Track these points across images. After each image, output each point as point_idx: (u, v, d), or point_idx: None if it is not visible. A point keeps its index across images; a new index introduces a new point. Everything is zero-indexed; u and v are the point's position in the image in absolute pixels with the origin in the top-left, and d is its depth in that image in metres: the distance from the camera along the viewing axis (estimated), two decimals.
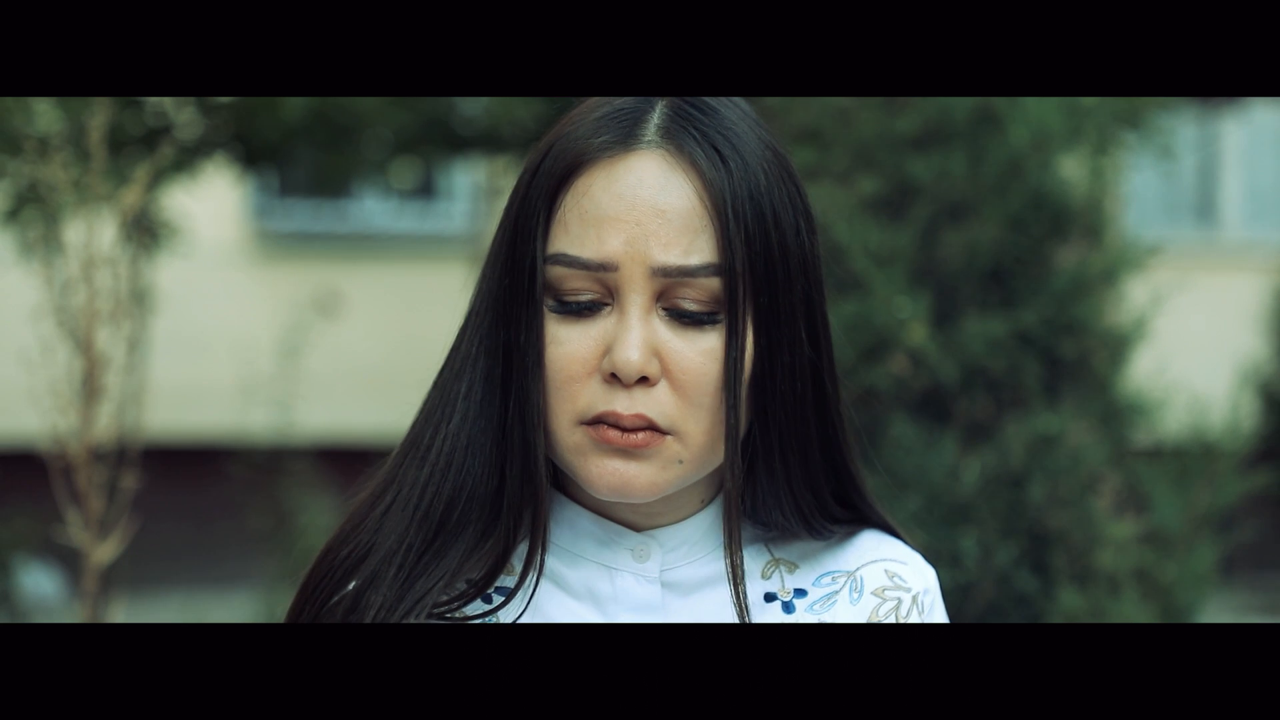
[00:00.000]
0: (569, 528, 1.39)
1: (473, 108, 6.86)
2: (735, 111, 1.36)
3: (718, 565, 1.40)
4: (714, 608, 1.39)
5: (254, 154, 6.58)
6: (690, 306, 1.31)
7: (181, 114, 6.14)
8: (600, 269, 1.30)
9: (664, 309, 1.31)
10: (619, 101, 1.35)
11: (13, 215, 5.70)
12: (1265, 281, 10.42)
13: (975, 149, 2.84)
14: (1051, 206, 2.85)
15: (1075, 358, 2.84)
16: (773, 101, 2.96)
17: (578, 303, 1.31)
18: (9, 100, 5.14)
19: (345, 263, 9.90)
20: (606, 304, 1.32)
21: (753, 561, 1.42)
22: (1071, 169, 2.93)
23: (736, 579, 1.35)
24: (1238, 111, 10.04)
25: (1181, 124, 9.17)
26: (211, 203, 8.29)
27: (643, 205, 1.30)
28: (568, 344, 1.31)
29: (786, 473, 1.36)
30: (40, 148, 3.94)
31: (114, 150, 4.90)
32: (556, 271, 1.31)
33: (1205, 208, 11.15)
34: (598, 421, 1.31)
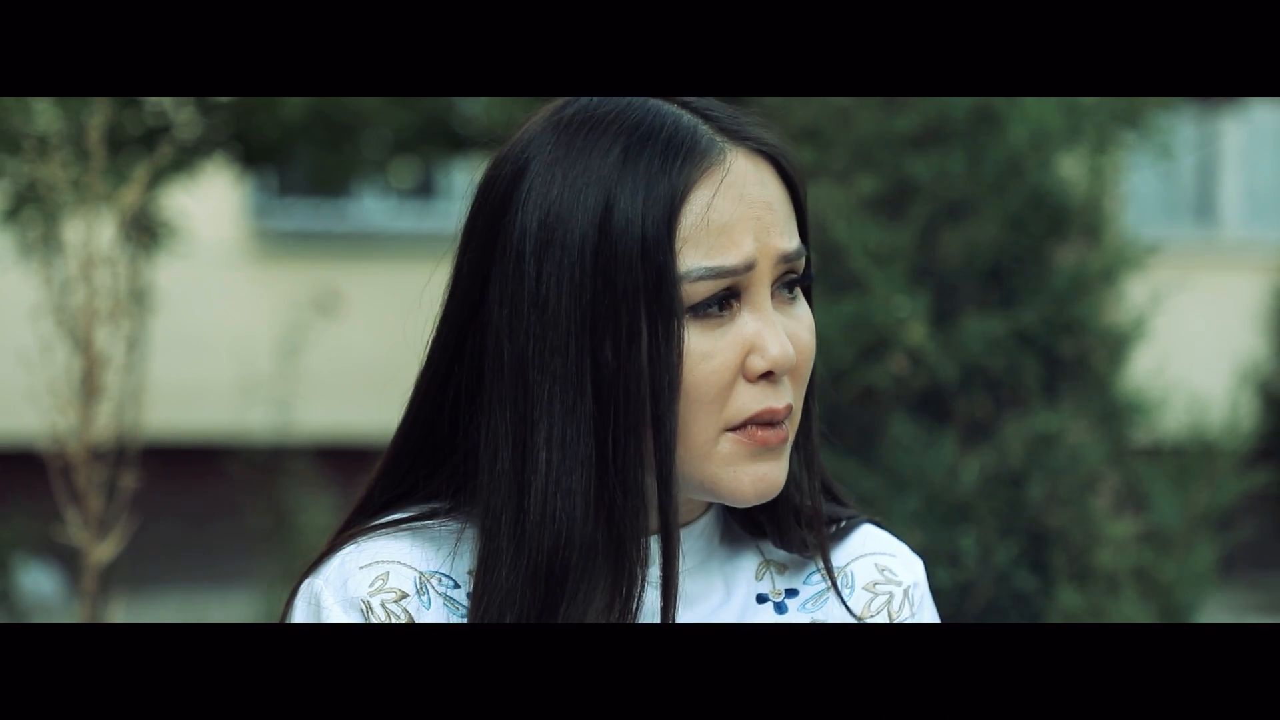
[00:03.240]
0: None
1: (473, 108, 6.87)
2: (719, 101, 1.39)
3: (713, 571, 1.40)
4: (713, 615, 1.39)
5: (253, 153, 6.59)
6: (788, 291, 1.34)
7: (181, 114, 6.14)
8: (746, 270, 1.31)
9: (772, 297, 1.34)
10: (638, 124, 1.34)
11: (12, 215, 5.71)
12: (1265, 281, 10.43)
13: (975, 148, 2.84)
14: (1051, 206, 2.85)
15: (1074, 357, 2.84)
16: (773, 101, 2.96)
17: (717, 317, 1.32)
18: (9, 100, 5.14)
19: (345, 262, 9.91)
20: (734, 307, 1.33)
21: (747, 565, 1.42)
22: (1070, 168, 2.93)
23: (824, 554, 1.41)
24: (1237, 111, 10.05)
25: (1181, 124, 9.18)
26: (211, 202, 8.29)
27: (756, 202, 1.32)
28: (715, 356, 1.31)
29: (805, 458, 1.39)
30: (40, 147, 3.94)
31: (113, 150, 4.90)
32: (701, 289, 1.31)
33: (1204, 207, 11.16)
34: (747, 424, 1.32)
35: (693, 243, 1.31)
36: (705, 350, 1.31)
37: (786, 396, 1.32)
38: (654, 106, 1.35)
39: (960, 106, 2.85)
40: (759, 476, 1.32)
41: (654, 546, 1.37)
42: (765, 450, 1.32)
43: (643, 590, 1.32)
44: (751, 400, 1.31)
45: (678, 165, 1.32)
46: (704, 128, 1.34)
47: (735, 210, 1.32)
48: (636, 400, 1.31)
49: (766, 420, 1.31)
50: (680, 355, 1.31)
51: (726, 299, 1.32)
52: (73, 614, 3.11)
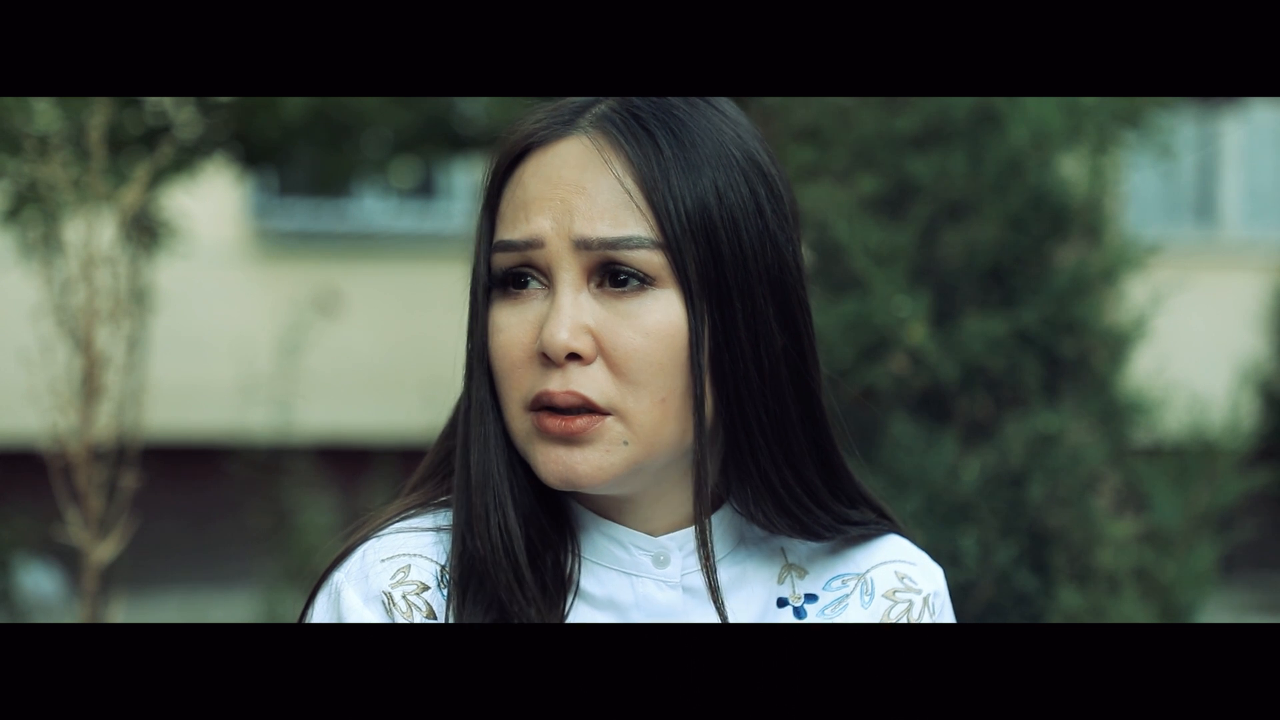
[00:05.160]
0: (587, 535, 1.39)
1: (473, 108, 6.87)
2: (700, 107, 1.37)
3: (738, 568, 1.41)
4: (735, 612, 1.39)
5: (254, 153, 6.58)
6: (622, 284, 1.32)
7: (181, 114, 6.14)
8: (527, 246, 1.32)
9: (597, 286, 1.32)
10: (571, 99, 1.38)
11: (13, 215, 5.70)
12: (1265, 281, 10.42)
13: (975, 148, 2.84)
14: (1051, 206, 2.85)
15: (1075, 357, 2.84)
16: (773, 101, 2.96)
17: (518, 293, 1.34)
18: (9, 100, 5.14)
19: (345, 262, 9.90)
20: (544, 286, 1.33)
21: (769, 566, 1.42)
22: (1071, 168, 2.93)
23: (707, 554, 1.36)
24: (1238, 111, 10.05)
25: (1181, 123, 9.18)
26: (211, 202, 8.29)
27: (566, 184, 1.32)
28: (507, 330, 1.34)
29: (765, 463, 1.35)
30: (40, 147, 3.94)
31: (114, 150, 4.90)
32: (497, 260, 1.34)
33: (1205, 207, 11.15)
34: (538, 406, 1.32)
35: (502, 216, 1.35)
36: (499, 323, 1.34)
37: (572, 384, 1.30)
38: (598, 97, 1.37)
39: (961, 106, 2.85)
40: (553, 459, 1.32)
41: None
42: (553, 437, 1.32)
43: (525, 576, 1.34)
44: (537, 381, 1.32)
45: (521, 141, 1.35)
46: (588, 116, 1.35)
47: (540, 189, 1.33)
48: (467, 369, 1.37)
49: (546, 403, 1.31)
50: (482, 325, 1.35)
51: (528, 277, 1.33)
52: (73, 614, 3.12)
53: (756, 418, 1.34)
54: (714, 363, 1.33)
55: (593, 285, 1.32)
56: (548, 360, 1.31)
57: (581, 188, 1.32)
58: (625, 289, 1.31)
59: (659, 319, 1.31)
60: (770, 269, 1.34)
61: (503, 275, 1.34)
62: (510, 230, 1.33)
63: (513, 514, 1.34)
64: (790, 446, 1.36)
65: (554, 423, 1.31)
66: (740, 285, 1.33)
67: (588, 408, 1.31)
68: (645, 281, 1.31)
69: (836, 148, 2.93)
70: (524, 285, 1.33)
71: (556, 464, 1.32)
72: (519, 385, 1.33)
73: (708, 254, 1.32)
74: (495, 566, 1.32)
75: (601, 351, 1.31)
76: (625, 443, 1.32)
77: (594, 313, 1.31)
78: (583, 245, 1.31)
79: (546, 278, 1.33)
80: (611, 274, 1.31)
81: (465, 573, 1.34)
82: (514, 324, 1.33)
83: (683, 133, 1.34)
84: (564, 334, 1.30)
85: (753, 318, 1.33)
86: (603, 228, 1.31)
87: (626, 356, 1.31)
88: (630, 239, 1.31)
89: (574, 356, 1.31)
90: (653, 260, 1.31)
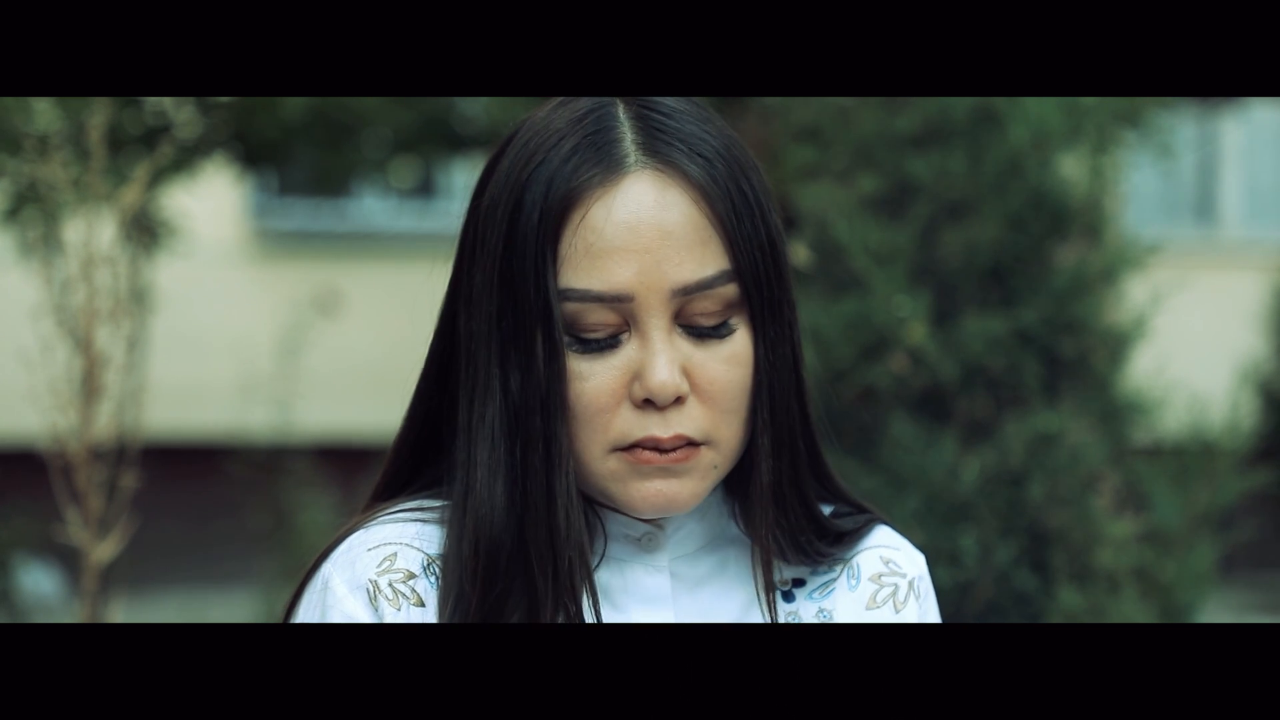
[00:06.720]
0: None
1: (473, 107, 6.87)
2: (691, 109, 1.36)
3: (720, 556, 1.42)
4: (719, 600, 1.40)
5: (253, 153, 6.59)
6: (707, 321, 1.32)
7: (181, 113, 6.14)
8: (616, 300, 1.30)
9: (681, 326, 1.32)
10: (579, 113, 1.34)
11: (13, 215, 5.71)
12: (1265, 280, 10.43)
13: (975, 148, 2.84)
14: (1051, 205, 2.85)
15: (1075, 356, 2.84)
16: (773, 101, 2.97)
17: (597, 340, 1.31)
18: (9, 100, 5.14)
19: (345, 262, 9.91)
20: (624, 332, 1.32)
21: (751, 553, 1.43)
22: (1071, 168, 2.93)
23: (768, 567, 1.38)
24: (1238, 111, 10.05)
25: (1181, 123, 9.18)
26: (211, 202, 8.29)
27: (647, 229, 1.30)
28: (593, 377, 1.31)
29: (777, 474, 1.37)
30: (40, 147, 3.95)
31: (114, 149, 4.90)
32: (569, 308, 1.31)
33: (1205, 206, 11.16)
34: (635, 446, 1.32)
35: (572, 260, 1.31)
36: (582, 371, 1.31)
37: (675, 427, 1.31)
38: (603, 110, 1.34)
39: (961, 106, 2.85)
40: (652, 492, 1.33)
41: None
42: (653, 469, 1.32)
43: (562, 603, 1.32)
44: (636, 426, 1.32)
45: (581, 173, 1.31)
46: (628, 140, 1.32)
47: (620, 236, 1.30)
48: (528, 415, 1.32)
49: (651, 447, 1.32)
50: (561, 372, 1.31)
51: (617, 334, 1.31)
52: (73, 614, 3.12)
53: (774, 432, 1.36)
54: (757, 381, 1.35)
55: (678, 324, 1.32)
56: (646, 405, 1.31)
57: (665, 231, 1.31)
58: (715, 326, 1.32)
59: (738, 347, 1.33)
60: (786, 270, 1.36)
61: (579, 328, 1.31)
62: (587, 280, 1.31)
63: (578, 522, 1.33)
64: (795, 458, 1.38)
65: (655, 456, 1.32)
66: (785, 301, 1.35)
67: (687, 443, 1.33)
68: (728, 314, 1.33)
69: (836, 148, 2.94)
70: (616, 342, 1.31)
71: (657, 496, 1.33)
72: (605, 430, 1.32)
73: (763, 273, 1.33)
74: (553, 557, 1.32)
75: (695, 388, 1.32)
76: (715, 466, 1.34)
77: (685, 351, 1.32)
78: (679, 292, 1.31)
79: (629, 323, 1.32)
80: (701, 313, 1.32)
81: (499, 559, 1.32)
82: (599, 371, 1.31)
83: (715, 144, 1.34)
84: (670, 378, 1.30)
85: (790, 329, 1.36)
86: (691, 270, 1.30)
87: (722, 391, 1.32)
88: (718, 276, 1.31)
89: (675, 399, 1.31)
90: (733, 292, 1.32)
